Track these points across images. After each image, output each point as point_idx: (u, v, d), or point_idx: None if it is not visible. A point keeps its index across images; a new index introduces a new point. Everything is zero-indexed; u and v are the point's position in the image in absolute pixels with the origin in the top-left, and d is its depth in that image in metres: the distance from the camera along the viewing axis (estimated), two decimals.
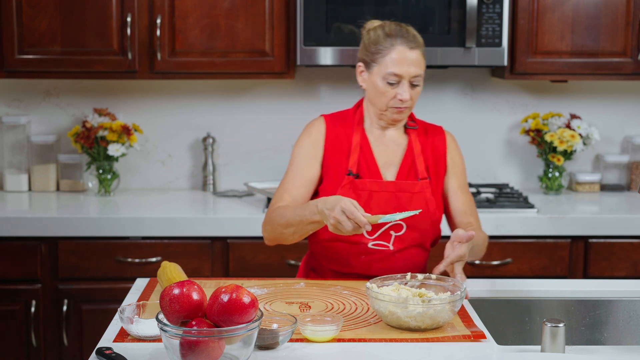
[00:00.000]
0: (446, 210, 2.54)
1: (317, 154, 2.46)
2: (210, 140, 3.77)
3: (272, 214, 2.41)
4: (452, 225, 2.53)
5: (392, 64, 2.35)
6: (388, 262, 2.42)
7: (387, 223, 2.39)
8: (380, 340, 1.95)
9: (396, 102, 2.37)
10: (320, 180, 2.47)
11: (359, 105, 2.53)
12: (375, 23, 2.44)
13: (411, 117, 2.52)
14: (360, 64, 2.44)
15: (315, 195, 2.48)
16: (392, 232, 2.41)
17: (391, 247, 2.41)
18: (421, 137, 2.50)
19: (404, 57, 2.34)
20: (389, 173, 2.45)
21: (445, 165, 2.50)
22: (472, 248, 2.33)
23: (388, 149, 2.47)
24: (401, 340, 1.94)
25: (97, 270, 3.27)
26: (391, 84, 2.36)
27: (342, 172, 2.43)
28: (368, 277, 2.40)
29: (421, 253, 2.48)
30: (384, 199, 2.40)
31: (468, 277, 3.19)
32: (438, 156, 2.49)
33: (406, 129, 2.50)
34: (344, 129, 2.48)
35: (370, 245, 2.42)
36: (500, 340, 2.22)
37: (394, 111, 2.40)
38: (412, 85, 2.36)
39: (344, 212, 2.13)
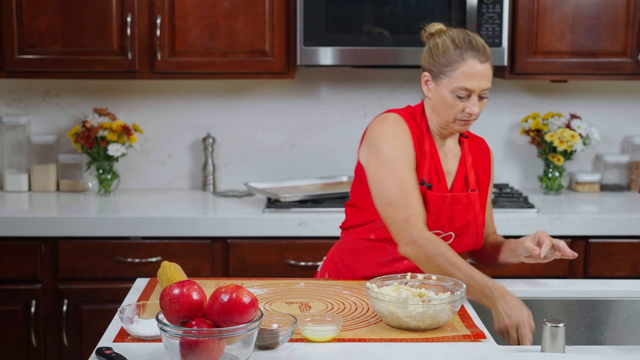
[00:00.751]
0: None
1: (412, 156, 2.34)
2: (210, 140, 3.77)
3: (428, 245, 2.22)
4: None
5: (463, 79, 2.26)
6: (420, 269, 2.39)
7: (439, 234, 2.34)
8: (380, 340, 1.94)
9: (464, 115, 2.30)
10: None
11: (423, 111, 2.41)
12: (437, 27, 2.35)
13: None
14: (426, 73, 2.34)
15: (363, 182, 2.39)
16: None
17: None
18: (472, 147, 2.46)
19: (475, 72, 2.26)
20: (448, 183, 2.41)
21: (489, 179, 2.48)
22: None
23: (447, 159, 2.42)
24: (401, 340, 1.94)
25: (97, 270, 3.27)
26: (460, 98, 2.28)
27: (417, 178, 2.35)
28: None
29: None
30: (443, 211, 2.36)
31: None
32: (485, 169, 2.47)
33: (461, 138, 2.46)
34: (419, 131, 2.38)
35: None
36: (500, 340, 2.22)
37: (461, 124, 2.33)
38: (481, 98, 2.30)
39: (531, 329, 2.12)
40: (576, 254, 2.27)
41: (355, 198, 2.44)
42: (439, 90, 2.31)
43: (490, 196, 2.52)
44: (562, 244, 2.26)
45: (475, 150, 2.47)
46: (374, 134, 2.36)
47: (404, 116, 2.38)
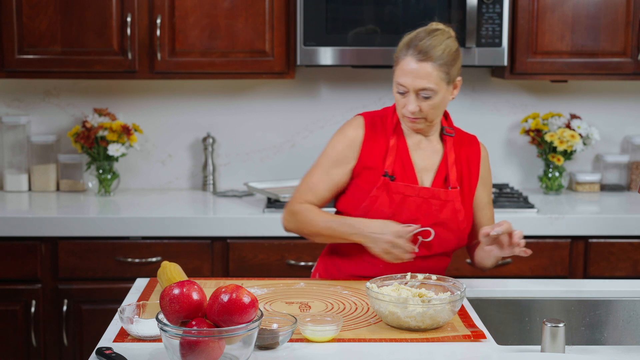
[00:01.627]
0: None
1: (351, 159, 2.43)
2: (210, 140, 3.77)
3: (299, 215, 2.42)
4: (471, 238, 2.50)
5: (400, 74, 2.33)
6: (412, 267, 2.40)
7: (415, 228, 2.37)
8: (380, 340, 1.95)
9: (406, 111, 2.35)
10: (350, 181, 2.45)
11: None
12: (433, 25, 2.39)
13: (449, 123, 2.48)
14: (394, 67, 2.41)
15: (340, 195, 2.47)
16: (419, 237, 2.37)
17: (416, 249, 2.38)
18: (456, 145, 2.47)
19: (409, 69, 2.30)
20: (425, 178, 2.43)
21: (477, 177, 2.47)
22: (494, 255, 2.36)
23: (425, 154, 2.44)
24: (401, 340, 1.94)
25: (97, 270, 3.27)
26: (401, 93, 2.34)
27: (378, 173, 2.40)
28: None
29: (444, 260, 2.47)
30: (415, 204, 2.38)
31: (468, 277, 3.20)
32: (471, 167, 2.47)
33: (443, 136, 2.47)
34: (383, 130, 2.44)
35: None
36: (500, 340, 2.22)
37: (407, 121, 2.38)
38: (423, 97, 2.32)
39: (399, 236, 2.22)
40: (529, 252, 2.26)
41: (337, 200, 2.50)
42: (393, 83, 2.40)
43: (489, 196, 2.51)
44: (517, 232, 2.25)
45: (461, 148, 2.47)
46: (334, 133, 2.50)
47: (368, 118, 2.46)
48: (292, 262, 3.29)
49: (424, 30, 2.35)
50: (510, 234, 2.26)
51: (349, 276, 2.46)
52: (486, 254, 2.35)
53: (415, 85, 2.30)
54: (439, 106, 2.35)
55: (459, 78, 2.38)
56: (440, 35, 2.33)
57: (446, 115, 2.47)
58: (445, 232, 2.39)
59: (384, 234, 2.28)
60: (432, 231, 2.36)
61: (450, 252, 2.47)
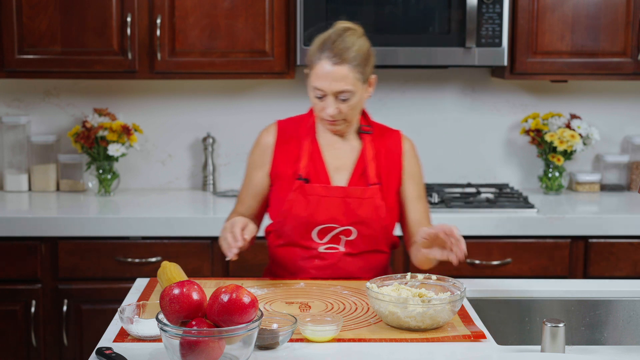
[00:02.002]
0: (401, 219, 2.50)
1: (265, 163, 2.47)
2: (210, 140, 3.77)
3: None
4: (406, 234, 2.50)
5: (316, 79, 2.33)
6: (340, 265, 2.43)
7: (335, 228, 2.39)
8: (380, 340, 1.95)
9: (325, 115, 2.36)
10: (270, 188, 2.49)
11: None
12: (339, 24, 2.39)
13: (367, 121, 2.49)
14: (306, 70, 2.42)
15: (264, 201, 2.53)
16: (342, 237, 2.41)
17: (342, 249, 2.41)
18: (376, 141, 2.47)
19: (325, 73, 2.31)
20: (340, 178, 2.44)
21: (399, 171, 2.47)
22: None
23: (340, 153, 2.45)
24: (401, 340, 1.94)
25: (97, 270, 3.27)
26: (318, 98, 2.35)
27: (293, 177, 2.43)
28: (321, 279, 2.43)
29: (379, 256, 2.47)
30: (332, 204, 2.40)
31: (468, 277, 3.20)
32: (392, 161, 2.46)
33: (360, 134, 2.48)
34: (297, 133, 2.47)
35: (321, 249, 2.42)
36: (500, 340, 2.22)
37: (326, 123, 2.39)
38: (342, 100, 2.33)
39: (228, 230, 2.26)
40: (459, 258, 2.14)
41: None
42: (308, 87, 2.39)
43: (420, 192, 2.48)
44: (455, 231, 2.14)
45: (381, 143, 2.47)
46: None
47: (281, 124, 2.50)
48: None
49: (334, 31, 2.35)
50: (448, 234, 2.14)
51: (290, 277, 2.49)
52: (423, 256, 2.31)
53: (333, 89, 2.31)
54: (356, 106, 2.37)
55: (374, 76, 2.40)
56: (351, 36, 2.33)
57: (363, 113, 2.48)
58: (367, 229, 2.40)
59: (225, 229, 2.28)
60: (353, 230, 2.39)
61: (384, 249, 2.47)
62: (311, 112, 2.49)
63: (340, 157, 2.45)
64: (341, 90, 2.31)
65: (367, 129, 2.47)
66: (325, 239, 2.41)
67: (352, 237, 2.41)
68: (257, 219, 2.52)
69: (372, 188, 2.41)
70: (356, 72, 2.32)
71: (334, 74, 2.30)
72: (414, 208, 2.47)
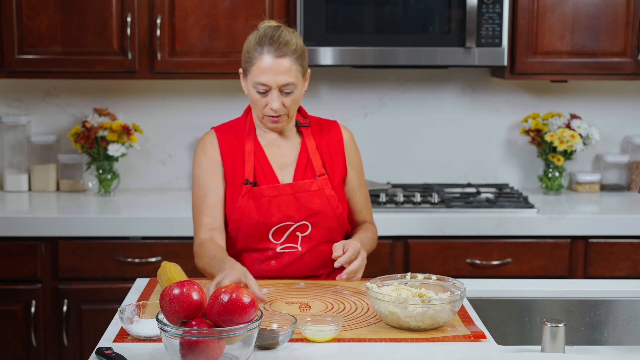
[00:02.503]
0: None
1: (218, 169, 2.45)
2: None
3: (197, 250, 2.40)
4: (350, 220, 2.55)
5: (259, 73, 2.32)
6: (299, 263, 2.44)
7: (290, 226, 2.40)
8: (380, 340, 1.95)
9: (268, 110, 2.37)
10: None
11: (249, 111, 2.51)
12: (266, 22, 2.41)
13: (302, 115, 2.51)
14: (240, 69, 2.42)
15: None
16: (298, 234, 2.42)
17: (299, 249, 2.42)
18: (315, 133, 2.49)
19: (269, 67, 2.31)
20: (285, 175, 2.45)
21: (343, 160, 2.50)
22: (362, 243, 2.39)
23: (282, 151, 2.46)
24: (401, 340, 1.94)
25: (97, 270, 3.27)
26: (261, 93, 2.35)
27: (240, 182, 2.42)
28: (281, 279, 2.43)
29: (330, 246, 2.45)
30: (284, 202, 2.40)
31: (468, 277, 3.20)
32: (334, 151, 2.49)
33: (298, 128, 2.49)
34: (236, 138, 2.46)
35: (279, 249, 2.43)
36: (500, 340, 2.22)
37: (269, 120, 2.39)
38: (285, 93, 2.34)
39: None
40: (349, 277, 2.28)
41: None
42: (247, 87, 2.39)
43: (360, 180, 2.53)
44: (353, 266, 2.27)
45: (321, 134, 2.49)
46: (194, 156, 2.55)
47: (218, 130, 2.48)
48: None
49: (267, 28, 2.36)
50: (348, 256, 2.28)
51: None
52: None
53: (278, 82, 2.32)
54: (298, 100, 2.39)
55: (309, 70, 2.42)
56: (285, 30, 2.36)
57: (299, 108, 2.50)
58: (321, 220, 2.42)
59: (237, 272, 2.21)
60: (308, 224, 2.41)
61: (338, 239, 2.48)
62: (245, 115, 2.50)
63: (283, 155, 2.46)
64: (286, 83, 2.33)
65: (305, 122, 2.48)
66: (282, 239, 2.42)
67: (307, 232, 2.42)
68: (223, 230, 2.46)
69: (320, 179, 2.43)
70: (297, 64, 2.34)
71: (278, 66, 2.31)
72: (354, 197, 2.53)
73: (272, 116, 2.38)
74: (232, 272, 2.15)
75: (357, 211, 2.54)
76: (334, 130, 2.51)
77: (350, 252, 2.28)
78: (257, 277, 2.45)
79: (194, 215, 2.47)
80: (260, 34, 2.35)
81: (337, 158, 2.49)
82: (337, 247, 2.29)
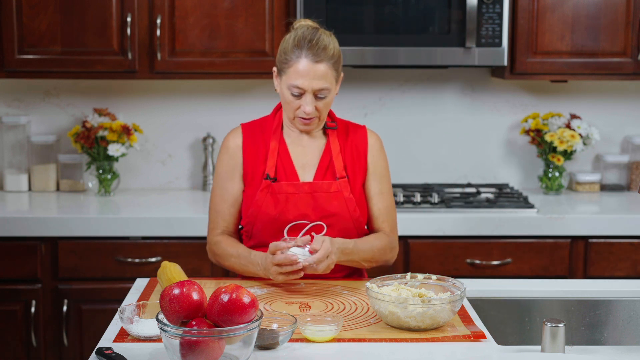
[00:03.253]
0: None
1: (236, 168, 2.46)
2: (210, 140, 3.77)
3: (217, 251, 2.46)
4: (371, 229, 2.52)
5: (295, 77, 2.32)
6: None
7: (306, 225, 2.41)
8: (380, 340, 1.95)
9: (301, 113, 2.37)
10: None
11: (278, 109, 2.51)
12: (301, 22, 2.41)
13: (331, 117, 2.51)
14: (274, 68, 2.41)
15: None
16: (313, 234, 2.40)
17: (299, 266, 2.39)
18: (341, 136, 2.49)
19: (307, 71, 2.31)
20: (307, 174, 2.45)
21: (365, 165, 2.49)
22: (355, 253, 2.37)
23: (306, 150, 2.47)
24: (401, 340, 1.94)
25: (97, 270, 3.27)
26: (295, 96, 2.35)
27: (260, 177, 2.44)
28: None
29: None
30: (301, 200, 2.41)
31: (468, 277, 3.20)
32: (358, 155, 2.48)
33: (325, 130, 2.50)
34: (262, 135, 2.47)
35: None
36: (500, 340, 2.22)
37: (300, 122, 2.40)
38: (319, 98, 2.35)
39: (273, 263, 2.25)
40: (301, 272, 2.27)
41: None
42: (281, 87, 2.39)
43: (383, 187, 2.50)
44: (310, 259, 2.25)
45: (347, 138, 2.49)
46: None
47: (245, 127, 2.49)
48: None
49: (306, 31, 2.35)
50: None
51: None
52: None
53: (313, 86, 2.32)
54: (329, 104, 2.39)
55: (342, 74, 2.42)
56: (323, 34, 2.35)
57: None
58: (338, 222, 2.42)
59: (267, 264, 2.27)
60: (324, 225, 2.40)
61: None
62: (274, 113, 2.51)
63: (306, 154, 2.47)
64: (320, 88, 2.33)
65: (332, 124, 2.49)
66: (297, 238, 2.40)
67: (322, 233, 2.41)
68: (237, 234, 2.52)
69: (339, 182, 2.43)
70: (333, 69, 2.34)
71: (315, 71, 2.31)
72: (375, 204, 2.49)
73: (304, 118, 2.38)
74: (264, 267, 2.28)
75: (374, 218, 2.49)
76: (360, 135, 2.51)
77: (320, 253, 2.25)
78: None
79: (210, 213, 2.51)
80: (298, 35, 2.35)
81: (359, 162, 2.48)
82: (317, 240, 2.27)
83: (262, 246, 2.44)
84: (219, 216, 2.49)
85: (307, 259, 2.24)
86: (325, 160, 2.46)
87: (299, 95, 2.34)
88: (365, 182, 2.49)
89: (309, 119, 2.38)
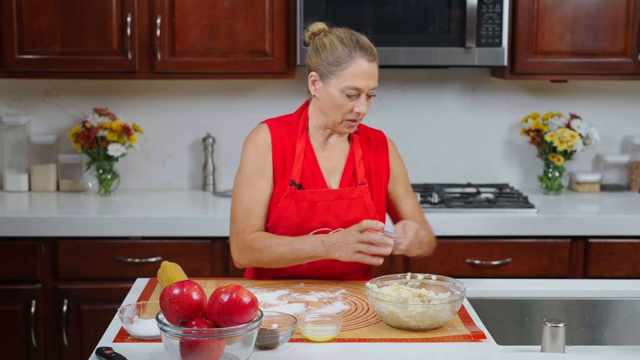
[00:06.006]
0: (395, 216, 2.53)
1: (267, 167, 2.41)
2: (210, 140, 3.77)
3: (254, 245, 2.36)
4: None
5: (352, 78, 2.30)
6: (330, 267, 2.41)
7: (328, 232, 2.38)
8: (380, 340, 1.95)
9: (353, 114, 2.34)
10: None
11: (303, 109, 2.47)
12: (320, 26, 2.38)
13: None
14: (313, 73, 2.36)
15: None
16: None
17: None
18: (363, 142, 2.48)
19: (363, 71, 2.31)
20: (332, 180, 2.43)
21: (387, 172, 2.48)
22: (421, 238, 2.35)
23: (332, 155, 2.45)
24: (401, 340, 1.94)
25: (97, 270, 3.27)
26: (350, 97, 2.32)
27: (286, 182, 2.40)
28: (282, 279, 2.43)
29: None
30: (325, 208, 2.39)
31: (468, 277, 3.20)
32: (380, 162, 2.48)
33: (350, 134, 2.47)
34: (288, 136, 2.43)
35: None
36: (500, 340, 2.22)
37: (348, 124, 2.37)
38: (368, 97, 2.36)
39: (361, 240, 2.23)
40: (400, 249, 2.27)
41: None
42: (328, 90, 2.34)
43: (407, 187, 2.52)
44: (406, 237, 2.26)
45: (368, 144, 2.48)
46: (243, 147, 2.47)
47: (271, 124, 2.44)
48: None
49: (347, 32, 2.36)
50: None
51: (274, 277, 2.46)
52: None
53: (370, 86, 2.34)
54: (371, 103, 2.40)
55: None
56: (360, 35, 2.37)
57: None
58: None
59: (347, 242, 2.25)
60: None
61: None
62: (299, 113, 2.46)
63: (332, 159, 2.45)
64: (374, 87, 2.35)
65: (357, 129, 2.48)
66: None
67: None
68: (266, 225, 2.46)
69: (360, 188, 2.42)
70: (378, 69, 2.37)
71: (371, 71, 2.33)
72: (406, 204, 2.51)
73: (353, 120, 2.36)
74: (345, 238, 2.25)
75: (409, 215, 2.50)
76: (381, 141, 2.50)
77: (411, 235, 2.26)
78: (278, 276, 2.44)
79: (239, 212, 2.40)
80: (345, 36, 2.33)
81: (382, 169, 2.47)
82: (399, 227, 2.28)
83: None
84: (251, 215, 2.39)
85: (404, 242, 2.26)
86: (350, 165, 2.44)
87: (354, 97, 2.32)
88: (389, 187, 2.50)
89: (356, 120, 2.36)
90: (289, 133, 2.44)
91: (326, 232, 2.38)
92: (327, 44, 2.33)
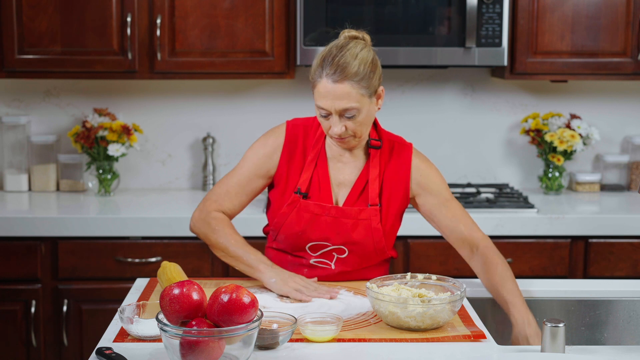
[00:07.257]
0: (439, 228, 2.38)
1: (268, 168, 2.38)
2: (210, 140, 3.77)
3: (214, 225, 2.37)
4: (453, 240, 2.37)
5: (318, 97, 2.21)
6: (329, 279, 2.39)
7: (327, 246, 2.35)
8: (380, 340, 1.95)
9: (333, 133, 2.25)
10: (271, 186, 2.42)
11: None
12: (346, 33, 2.27)
13: (377, 133, 2.36)
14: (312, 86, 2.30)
15: (267, 204, 2.47)
16: (334, 254, 2.36)
17: (333, 267, 2.37)
18: (383, 158, 2.35)
19: (326, 92, 2.18)
20: (340, 194, 2.35)
21: (404, 191, 2.34)
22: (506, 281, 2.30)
23: (345, 168, 2.35)
24: (401, 340, 1.94)
25: (97, 270, 3.27)
26: (324, 116, 2.23)
27: (291, 187, 2.35)
28: None
29: (372, 271, 2.41)
30: (326, 222, 2.32)
31: (468, 277, 3.20)
32: (398, 181, 2.34)
33: (369, 148, 2.35)
34: (304, 140, 2.37)
35: (312, 261, 2.38)
36: (500, 340, 2.22)
37: (336, 142, 2.28)
38: (347, 117, 2.20)
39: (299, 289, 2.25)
40: None
41: (267, 209, 2.49)
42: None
43: (443, 198, 2.35)
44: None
45: (388, 161, 2.35)
46: (259, 137, 2.45)
47: (290, 127, 2.39)
48: None
49: (336, 45, 2.22)
50: None
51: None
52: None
53: (336, 107, 2.18)
54: (365, 122, 2.23)
55: (382, 87, 2.26)
56: (352, 48, 2.20)
57: (375, 124, 2.37)
58: (361, 249, 2.34)
59: (287, 284, 2.26)
60: (346, 249, 2.34)
61: (380, 264, 2.42)
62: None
63: (344, 172, 2.35)
64: (345, 108, 2.18)
65: (377, 143, 2.33)
66: (318, 253, 2.36)
67: (344, 255, 2.35)
68: (238, 213, 2.46)
69: (370, 209, 2.31)
70: (360, 87, 2.17)
71: (335, 92, 2.17)
72: (444, 215, 2.34)
73: (337, 138, 2.26)
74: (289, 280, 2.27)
75: (450, 229, 2.34)
76: (404, 157, 2.35)
77: None
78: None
79: (218, 187, 2.41)
80: (324, 52, 2.22)
81: (398, 188, 2.34)
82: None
83: (283, 251, 2.42)
84: (227, 197, 2.39)
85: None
86: (361, 182, 2.33)
87: (327, 116, 2.22)
88: (419, 201, 2.36)
89: (342, 138, 2.25)
90: (305, 138, 2.37)
91: (325, 246, 2.35)
92: (316, 56, 2.28)
